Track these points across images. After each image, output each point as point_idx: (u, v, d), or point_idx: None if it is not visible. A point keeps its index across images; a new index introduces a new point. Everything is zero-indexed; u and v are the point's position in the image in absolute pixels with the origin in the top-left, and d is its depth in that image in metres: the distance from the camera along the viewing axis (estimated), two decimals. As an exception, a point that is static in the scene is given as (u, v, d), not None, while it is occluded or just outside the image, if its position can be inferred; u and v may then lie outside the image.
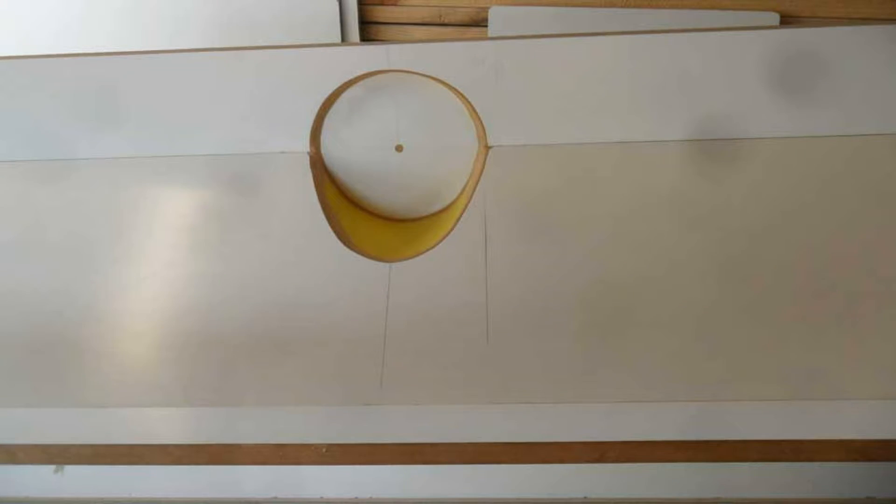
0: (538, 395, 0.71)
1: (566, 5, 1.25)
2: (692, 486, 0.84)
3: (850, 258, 0.75)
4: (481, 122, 0.82)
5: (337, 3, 1.26)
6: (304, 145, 0.85)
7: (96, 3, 1.29)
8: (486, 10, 1.27)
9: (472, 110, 0.82)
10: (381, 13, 1.31)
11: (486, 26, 1.28)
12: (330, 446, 0.73)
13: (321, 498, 0.87)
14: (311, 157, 0.85)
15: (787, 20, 1.24)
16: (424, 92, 0.83)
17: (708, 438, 0.71)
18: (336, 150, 0.87)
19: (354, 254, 0.79)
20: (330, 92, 0.82)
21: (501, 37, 0.81)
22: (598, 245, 0.78)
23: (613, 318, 0.74)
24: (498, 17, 1.26)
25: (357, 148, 0.87)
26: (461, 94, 0.82)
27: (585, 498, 0.85)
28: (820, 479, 0.83)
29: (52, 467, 0.87)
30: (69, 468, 0.87)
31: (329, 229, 0.81)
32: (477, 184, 0.81)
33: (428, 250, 0.79)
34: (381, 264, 0.78)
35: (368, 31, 1.31)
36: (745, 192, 0.79)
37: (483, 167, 0.82)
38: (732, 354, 0.71)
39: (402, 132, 0.87)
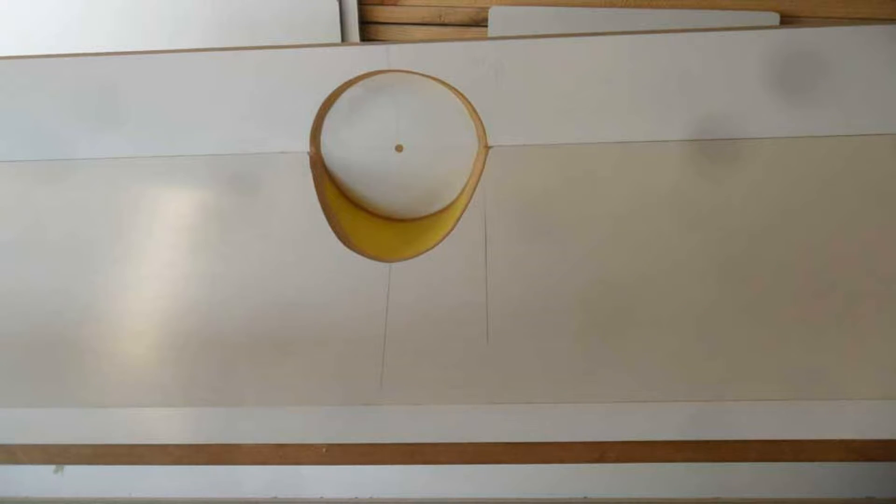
0: (538, 395, 0.71)
1: (566, 5, 1.25)
2: (692, 486, 0.84)
3: (850, 258, 0.75)
4: (481, 122, 0.82)
5: (337, 3, 1.26)
6: (304, 145, 0.85)
7: (96, 3, 1.29)
8: (486, 10, 1.27)
9: (472, 110, 0.82)
10: (381, 13, 1.31)
11: (486, 26, 1.28)
12: (330, 446, 0.73)
13: (321, 498, 0.87)
14: (311, 157, 0.85)
15: (787, 20, 1.24)
16: (424, 92, 0.83)
17: (708, 438, 0.71)
18: (336, 150, 0.87)
19: (354, 254, 0.79)
20: (330, 92, 0.82)
21: (501, 37, 0.81)
22: (598, 245, 0.78)
23: (613, 318, 0.74)
24: (498, 17, 1.26)
25: (357, 148, 0.87)
26: (461, 94, 0.82)
27: (585, 498, 0.85)
28: (820, 479, 0.83)
29: (52, 467, 0.87)
30: (69, 468, 0.87)
31: (329, 229, 0.81)
32: (477, 184, 0.81)
33: (428, 250, 0.79)
34: (381, 264, 0.78)
35: (368, 31, 1.31)
36: (745, 192, 0.79)
37: (483, 167, 0.82)
38: (732, 354, 0.71)
39: (402, 132, 0.87)
